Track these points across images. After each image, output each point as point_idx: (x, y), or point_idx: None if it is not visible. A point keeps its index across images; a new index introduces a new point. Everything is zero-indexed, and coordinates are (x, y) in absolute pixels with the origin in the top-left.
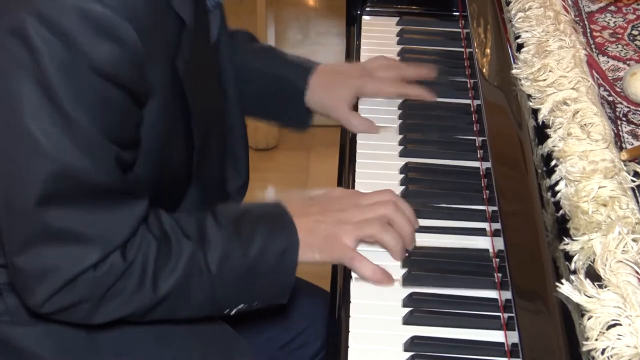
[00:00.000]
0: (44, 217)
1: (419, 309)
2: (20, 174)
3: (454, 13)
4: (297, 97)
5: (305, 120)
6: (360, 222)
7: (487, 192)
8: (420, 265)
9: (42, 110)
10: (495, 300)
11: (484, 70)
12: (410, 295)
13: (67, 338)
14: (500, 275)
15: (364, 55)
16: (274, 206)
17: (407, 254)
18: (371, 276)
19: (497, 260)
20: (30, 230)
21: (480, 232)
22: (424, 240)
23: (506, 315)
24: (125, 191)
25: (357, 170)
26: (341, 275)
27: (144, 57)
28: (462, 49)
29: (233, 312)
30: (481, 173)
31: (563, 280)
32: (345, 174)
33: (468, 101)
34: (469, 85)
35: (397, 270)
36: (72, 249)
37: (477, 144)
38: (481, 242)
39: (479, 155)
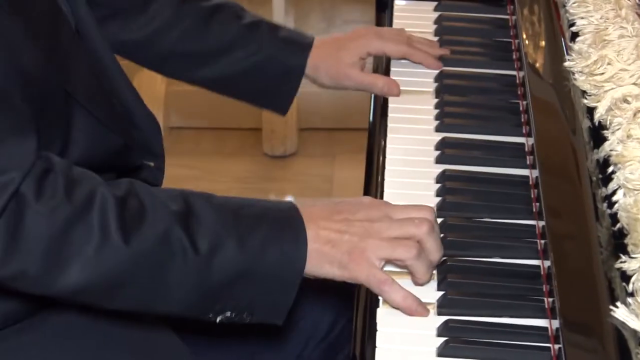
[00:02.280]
0: None
1: (456, 339)
2: None
3: None
4: (292, 79)
5: (286, 104)
6: (390, 240)
7: (537, 204)
8: (458, 288)
9: None
10: (544, 329)
11: (532, 62)
12: (446, 322)
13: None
14: (551, 300)
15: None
16: (284, 204)
17: (441, 277)
18: (401, 303)
19: (548, 283)
20: None
21: (529, 250)
22: (462, 259)
23: (557, 346)
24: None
25: (386, 178)
26: (364, 299)
27: None
28: (511, 39)
29: (218, 319)
30: (531, 182)
31: (618, 304)
32: (373, 184)
33: (517, 99)
34: (517, 81)
35: (431, 293)
36: None
37: (526, 149)
38: (529, 262)
39: (528, 162)
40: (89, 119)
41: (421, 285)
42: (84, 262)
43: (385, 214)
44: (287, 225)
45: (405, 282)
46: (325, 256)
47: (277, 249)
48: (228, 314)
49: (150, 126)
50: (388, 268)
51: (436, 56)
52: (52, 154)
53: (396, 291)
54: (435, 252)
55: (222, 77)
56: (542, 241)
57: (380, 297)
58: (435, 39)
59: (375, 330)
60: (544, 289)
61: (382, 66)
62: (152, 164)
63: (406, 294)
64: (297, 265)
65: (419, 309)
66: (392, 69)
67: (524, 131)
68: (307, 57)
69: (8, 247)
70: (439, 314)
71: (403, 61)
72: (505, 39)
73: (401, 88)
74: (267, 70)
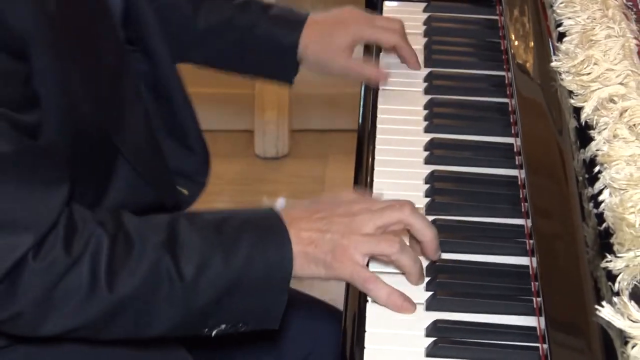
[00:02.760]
0: None
1: (444, 339)
2: None
3: None
4: (288, 55)
5: (291, 75)
6: (373, 236)
7: (526, 204)
8: (447, 288)
9: None
10: (533, 328)
11: (519, 63)
12: (435, 323)
13: None
14: (540, 299)
15: (386, 50)
16: (264, 211)
17: (430, 277)
18: (386, 301)
19: (537, 282)
20: None
21: (518, 250)
22: (451, 259)
23: (545, 346)
24: (40, 163)
25: (375, 179)
26: (354, 298)
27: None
28: (500, 40)
29: (213, 333)
30: (520, 182)
31: (604, 303)
32: (362, 184)
33: (506, 99)
34: (507, 82)
35: (420, 293)
36: (2, 237)
37: (515, 149)
38: (518, 262)
39: (517, 162)
40: (131, 173)
41: (413, 281)
42: (72, 309)
43: (365, 207)
44: (270, 232)
45: (398, 281)
46: (310, 257)
47: (263, 257)
48: (223, 326)
49: (201, 156)
50: (379, 269)
51: (413, 65)
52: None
53: (380, 288)
54: (425, 229)
55: (217, 57)
56: (531, 241)
57: (368, 297)
58: (425, 39)
59: (364, 330)
60: (533, 289)
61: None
62: (185, 191)
63: (391, 291)
64: (284, 270)
65: (404, 304)
66: (381, 61)
67: (513, 132)
68: (300, 35)
69: (5, 297)
70: (428, 310)
71: (392, 61)
72: (494, 40)
73: (390, 88)
74: (261, 49)
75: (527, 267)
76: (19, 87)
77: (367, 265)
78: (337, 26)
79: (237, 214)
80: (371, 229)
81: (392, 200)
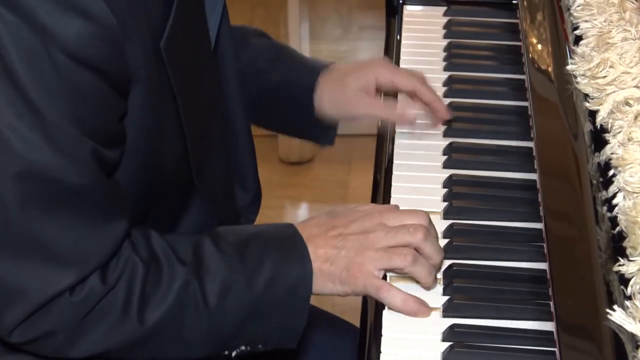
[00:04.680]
0: (18, 219)
1: (461, 344)
2: None
3: (512, 1)
4: (304, 99)
5: (326, 133)
6: (386, 250)
7: None
8: (464, 292)
9: (5, 100)
10: (550, 333)
11: (535, 66)
12: (452, 327)
13: None
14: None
15: (405, 52)
16: (285, 228)
17: (447, 282)
18: (402, 307)
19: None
20: None
21: (536, 254)
22: (469, 264)
23: None
24: (107, 203)
25: (393, 183)
26: (372, 305)
27: (119, 34)
28: (520, 43)
29: (233, 354)
30: (538, 186)
31: (616, 307)
32: (381, 189)
33: (525, 103)
34: (526, 85)
35: (436, 298)
36: (44, 267)
37: (534, 153)
38: (536, 266)
39: (535, 166)
40: (202, 210)
41: (427, 288)
42: (101, 336)
43: (378, 223)
44: (291, 251)
45: (413, 287)
46: (325, 274)
47: (285, 278)
48: (242, 347)
49: (255, 195)
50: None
51: (439, 109)
52: None
53: (395, 295)
54: (434, 256)
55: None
56: None
57: (383, 310)
58: (445, 42)
59: (381, 335)
60: (550, 293)
61: None
62: None
63: (405, 297)
64: (305, 289)
65: (420, 309)
66: (402, 65)
67: (532, 135)
68: (317, 79)
69: (36, 321)
70: (445, 317)
71: (412, 59)
72: (514, 43)
73: None
74: (278, 92)
75: (544, 271)
76: (113, 123)
77: (385, 277)
78: (352, 69)
79: (259, 234)
80: (383, 246)
81: (406, 215)
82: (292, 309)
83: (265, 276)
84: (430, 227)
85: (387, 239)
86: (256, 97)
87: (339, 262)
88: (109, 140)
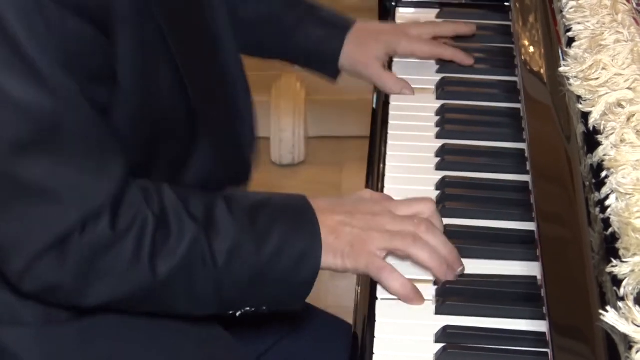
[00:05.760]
0: (13, 168)
1: (454, 345)
2: None
3: (505, 3)
4: (332, 57)
5: (333, 73)
6: (391, 232)
7: None
8: (457, 293)
9: None
10: (543, 334)
11: (528, 68)
12: (445, 328)
13: (57, 344)
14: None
15: (398, 55)
16: (297, 199)
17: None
18: (399, 290)
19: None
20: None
21: (529, 255)
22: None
23: None
24: (102, 142)
25: (386, 185)
26: (364, 307)
27: None
28: (513, 46)
29: (238, 313)
30: (531, 188)
31: (609, 308)
32: (374, 190)
33: (518, 105)
34: (519, 87)
35: (429, 299)
36: (45, 208)
37: (527, 155)
38: (529, 267)
39: (528, 168)
40: (209, 157)
41: (439, 276)
42: (112, 284)
43: (386, 209)
44: (302, 222)
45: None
46: (329, 247)
47: (294, 246)
48: (247, 308)
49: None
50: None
51: (467, 31)
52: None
53: (395, 278)
54: (437, 246)
55: (257, 47)
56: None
57: (376, 311)
58: None
59: (373, 336)
60: (543, 294)
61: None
62: None
63: (405, 282)
64: (313, 261)
65: (416, 297)
66: (394, 67)
67: (524, 137)
68: (343, 41)
69: (48, 270)
70: (437, 318)
71: (405, 62)
72: (507, 45)
73: (402, 94)
74: (305, 48)
75: (537, 272)
76: (98, 60)
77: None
78: (373, 35)
79: (272, 201)
80: (390, 229)
81: (413, 204)
82: (300, 277)
83: (274, 242)
84: (435, 217)
85: (392, 224)
86: (279, 47)
87: (344, 237)
88: (99, 81)
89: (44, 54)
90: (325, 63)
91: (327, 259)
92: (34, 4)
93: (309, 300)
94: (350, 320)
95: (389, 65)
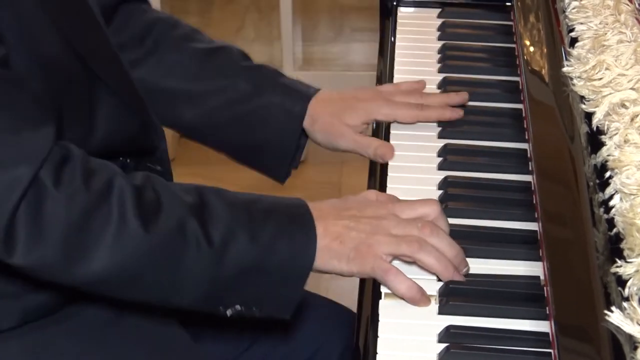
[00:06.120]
0: None
1: (457, 345)
2: None
3: (506, 3)
4: (292, 125)
5: (286, 170)
6: (397, 237)
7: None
8: (460, 293)
9: None
10: (546, 334)
11: (531, 68)
12: (448, 328)
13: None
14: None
15: (400, 54)
16: (295, 200)
17: (443, 283)
18: (406, 292)
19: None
20: None
21: (531, 255)
22: None
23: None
24: (14, 96)
25: (388, 185)
26: (367, 306)
27: None
28: (514, 46)
29: (228, 312)
30: (533, 188)
31: (613, 308)
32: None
33: (520, 105)
34: (521, 87)
35: (432, 299)
36: None
37: (529, 155)
38: (532, 267)
39: (530, 168)
40: (113, 100)
41: (446, 279)
42: (104, 250)
43: (391, 212)
44: (298, 221)
45: None
46: (334, 252)
47: (287, 244)
48: (238, 307)
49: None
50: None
51: (453, 103)
52: (70, 143)
53: (401, 281)
54: (443, 248)
55: (209, 123)
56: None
57: (379, 310)
58: (439, 44)
59: (377, 336)
60: (546, 294)
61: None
62: (159, 167)
63: (411, 284)
64: (306, 261)
65: (422, 298)
66: (396, 67)
67: (526, 137)
68: (307, 106)
69: (30, 236)
70: (440, 318)
71: (407, 60)
72: (508, 45)
73: None
74: (262, 119)
75: (540, 272)
76: None
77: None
78: (351, 103)
79: (267, 198)
80: (395, 234)
81: (417, 206)
82: (292, 276)
83: (268, 235)
84: (440, 218)
85: (398, 228)
86: (234, 120)
87: (349, 242)
88: None
89: None
90: (285, 131)
91: (330, 263)
92: None
93: (310, 287)
94: (351, 305)
95: (390, 74)
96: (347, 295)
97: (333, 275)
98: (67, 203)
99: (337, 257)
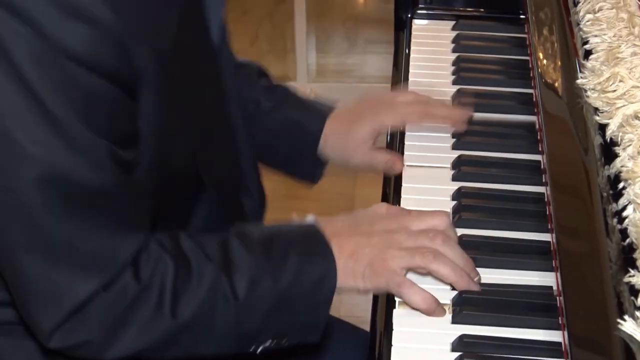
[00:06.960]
0: (43, 228)
1: (470, 354)
2: (8, 183)
3: (520, 16)
4: (309, 143)
5: (316, 172)
6: (409, 249)
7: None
8: (473, 303)
9: (20, 108)
10: (559, 344)
11: (545, 80)
12: (461, 337)
13: None
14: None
15: (414, 65)
16: (308, 228)
17: (456, 292)
18: (421, 304)
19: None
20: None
21: (545, 266)
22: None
23: None
24: (128, 203)
25: (402, 196)
26: (382, 316)
27: (123, 37)
28: (528, 58)
29: (259, 349)
30: (546, 199)
31: (626, 317)
32: (390, 201)
33: (534, 117)
34: (534, 99)
35: (446, 308)
36: (73, 270)
37: (542, 166)
38: (545, 278)
39: (544, 179)
40: (212, 208)
41: (461, 288)
42: (136, 335)
43: (402, 225)
44: (315, 249)
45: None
46: (349, 270)
47: (309, 274)
48: (268, 343)
49: (259, 201)
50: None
51: (457, 117)
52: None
53: (416, 293)
54: (457, 259)
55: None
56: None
57: (393, 320)
58: (454, 56)
59: (391, 345)
60: (559, 304)
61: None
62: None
63: (426, 295)
64: (329, 284)
65: (438, 309)
66: (411, 79)
67: (540, 149)
68: (324, 122)
69: (72, 326)
70: (454, 327)
71: (420, 72)
72: (522, 57)
73: None
74: (283, 133)
75: (553, 282)
76: (126, 124)
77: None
78: (356, 117)
79: (284, 232)
80: (407, 246)
81: (427, 218)
82: (316, 302)
83: (289, 272)
84: (450, 229)
85: (409, 241)
86: (260, 135)
87: (363, 259)
88: (123, 141)
89: (68, 112)
90: (303, 152)
91: (347, 281)
92: (56, 62)
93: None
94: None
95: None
96: (357, 314)
97: (343, 295)
98: (115, 302)
99: (353, 275)
